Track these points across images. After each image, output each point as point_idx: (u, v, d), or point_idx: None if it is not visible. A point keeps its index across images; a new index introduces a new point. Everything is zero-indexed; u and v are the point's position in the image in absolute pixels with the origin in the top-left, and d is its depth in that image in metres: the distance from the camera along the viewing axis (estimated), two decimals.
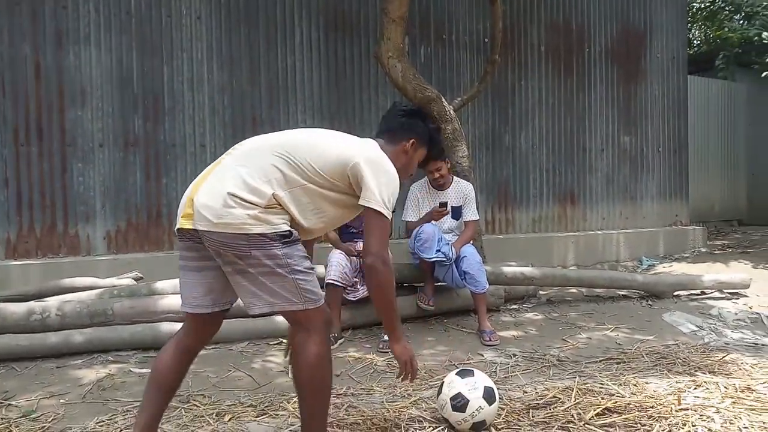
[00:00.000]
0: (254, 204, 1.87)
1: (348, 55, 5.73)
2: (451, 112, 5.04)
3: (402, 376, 2.17)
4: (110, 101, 4.89)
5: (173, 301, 3.84)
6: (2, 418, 2.71)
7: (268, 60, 5.40)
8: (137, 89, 4.97)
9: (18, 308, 3.61)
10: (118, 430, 2.58)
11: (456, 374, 2.40)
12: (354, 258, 4.05)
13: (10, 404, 2.88)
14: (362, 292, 4.09)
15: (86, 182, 4.81)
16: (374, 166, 2.01)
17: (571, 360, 3.52)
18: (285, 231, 1.90)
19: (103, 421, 2.67)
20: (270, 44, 5.40)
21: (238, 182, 1.89)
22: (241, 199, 1.86)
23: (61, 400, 2.95)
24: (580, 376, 3.10)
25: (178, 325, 3.69)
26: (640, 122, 7.34)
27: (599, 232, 6.92)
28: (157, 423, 2.16)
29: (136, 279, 4.31)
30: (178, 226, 1.98)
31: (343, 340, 3.93)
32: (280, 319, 3.99)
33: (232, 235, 1.85)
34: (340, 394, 2.96)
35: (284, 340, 3.87)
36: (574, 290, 5.22)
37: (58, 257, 4.71)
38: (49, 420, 2.71)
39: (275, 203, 1.91)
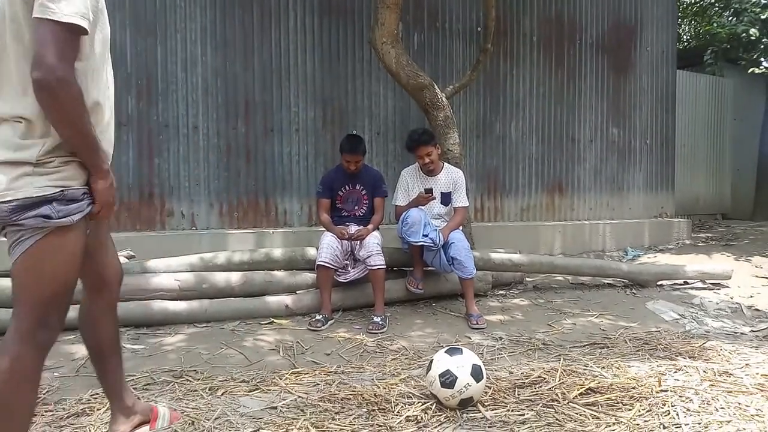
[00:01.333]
0: None
1: (342, 39, 5.75)
2: (444, 99, 5.08)
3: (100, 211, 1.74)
4: None
5: (165, 280, 3.88)
6: None
7: (262, 43, 5.41)
8: (130, 68, 4.96)
9: (6, 283, 3.62)
10: None
11: (445, 352, 2.47)
12: (345, 241, 4.10)
13: None
14: (353, 274, 4.15)
15: None
16: None
17: (556, 344, 3.60)
18: None
19: (97, 394, 2.70)
20: (264, 27, 5.41)
21: None
22: None
23: (55, 374, 2.98)
24: (564, 359, 3.18)
25: (170, 303, 3.77)
26: (628, 114, 7.43)
27: (586, 221, 7.02)
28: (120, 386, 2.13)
29: (129, 257, 4.32)
30: None
31: (333, 321, 3.98)
32: (271, 299, 4.05)
33: None
34: (331, 372, 3.01)
35: (275, 320, 3.95)
36: (560, 278, 5.32)
37: None
38: (44, 392, 2.74)
39: None
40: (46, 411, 2.50)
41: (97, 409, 2.51)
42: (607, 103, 7.27)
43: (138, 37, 4.97)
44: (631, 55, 7.40)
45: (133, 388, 2.77)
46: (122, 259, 4.24)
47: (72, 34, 1.56)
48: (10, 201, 1.59)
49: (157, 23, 5.03)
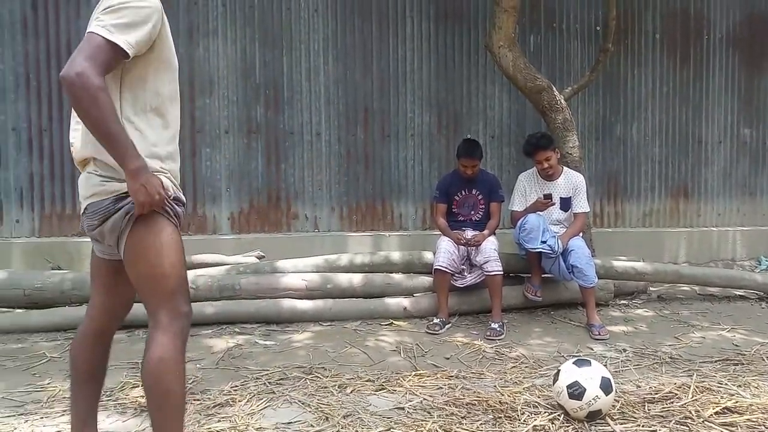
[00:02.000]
0: None
1: (457, 44, 5.79)
2: (562, 101, 5.00)
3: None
4: (235, 90, 5.25)
5: (293, 280, 4.11)
6: None
7: (380, 51, 5.57)
8: (259, 79, 5.29)
9: None
10: (251, 394, 2.83)
11: (573, 363, 2.46)
12: (462, 246, 4.15)
13: None
14: (469, 279, 4.20)
15: (213, 166, 5.21)
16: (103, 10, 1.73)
17: (685, 358, 3.45)
18: None
19: (237, 386, 2.95)
20: (382, 36, 5.57)
21: None
22: None
23: (198, 365, 3.26)
24: (696, 375, 3.06)
25: (298, 302, 3.99)
26: (762, 113, 6.90)
27: (714, 228, 6.62)
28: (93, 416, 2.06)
29: (259, 257, 4.63)
30: None
31: (450, 325, 4.05)
32: (390, 300, 4.18)
33: None
34: (452, 376, 3.08)
35: (394, 322, 4.07)
36: (686, 288, 5.07)
37: (188, 235, 5.13)
38: (189, 382, 3.00)
39: None
40: (194, 400, 2.75)
41: (239, 401, 2.73)
42: (738, 102, 6.80)
43: (266, 50, 5.29)
44: (765, 49, 6.88)
45: (267, 382, 2.99)
46: (252, 259, 4.56)
47: (114, 53, 1.68)
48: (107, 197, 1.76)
49: (283, 36, 5.32)
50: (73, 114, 1.91)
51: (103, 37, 1.64)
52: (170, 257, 1.78)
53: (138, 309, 2.00)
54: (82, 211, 1.86)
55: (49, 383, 2.94)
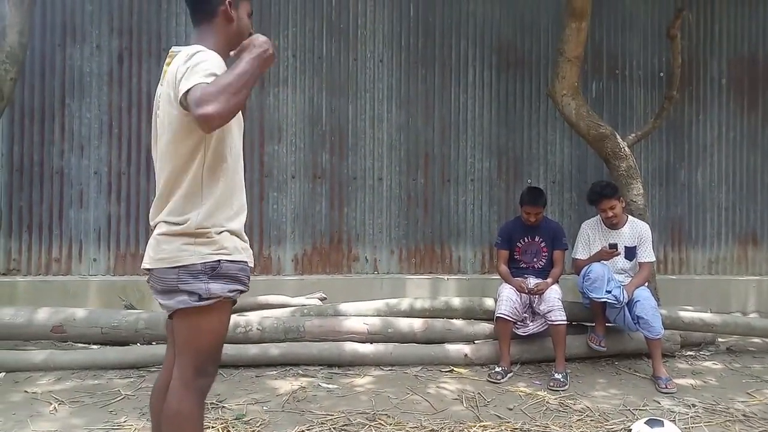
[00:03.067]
0: None
1: (518, 91, 5.87)
2: (626, 149, 4.98)
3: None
4: (302, 137, 5.46)
5: (355, 323, 4.19)
6: (218, 419, 3.14)
7: (442, 99, 5.70)
8: (325, 126, 5.49)
9: None
10: None
11: (645, 423, 2.43)
12: (524, 294, 4.14)
13: (223, 407, 3.33)
14: (532, 327, 4.17)
15: (279, 209, 5.40)
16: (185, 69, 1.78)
17: (759, 416, 3.33)
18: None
19: (303, 431, 3.01)
20: (444, 84, 5.71)
21: None
22: None
23: (264, 407, 3.35)
24: None
25: (359, 345, 4.06)
26: None
27: None
28: None
29: (321, 299, 4.73)
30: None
31: (512, 374, 4.02)
32: (451, 347, 4.20)
33: None
34: (516, 429, 3.07)
35: (455, 368, 4.08)
36: (757, 340, 4.89)
37: (253, 275, 5.26)
38: (257, 424, 3.09)
39: None
40: None
41: None
42: None
43: (332, 98, 5.50)
44: None
45: (332, 428, 3.05)
46: (315, 301, 4.67)
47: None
48: (177, 267, 1.85)
49: (349, 85, 5.53)
50: None
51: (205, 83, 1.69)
52: (215, 338, 1.94)
53: None
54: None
55: (125, 421, 3.08)
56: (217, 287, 1.86)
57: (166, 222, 1.89)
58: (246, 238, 2.00)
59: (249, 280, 1.98)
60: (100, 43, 5.27)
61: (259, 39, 1.81)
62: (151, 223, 1.98)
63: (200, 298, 1.84)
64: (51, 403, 3.29)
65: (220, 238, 1.87)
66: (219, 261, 1.86)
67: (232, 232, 1.92)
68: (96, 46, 5.26)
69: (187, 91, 1.69)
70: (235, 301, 1.98)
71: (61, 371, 3.81)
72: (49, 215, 5.24)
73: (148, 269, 1.95)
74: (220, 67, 1.78)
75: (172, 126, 1.84)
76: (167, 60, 1.93)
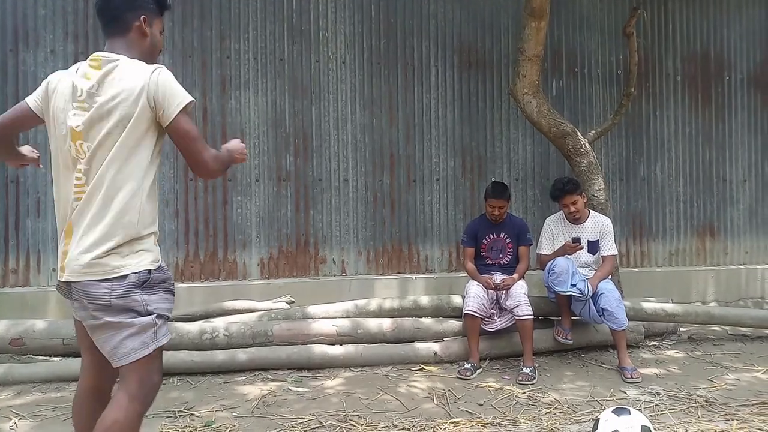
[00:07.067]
0: None
1: (480, 91, 5.92)
2: (587, 145, 5.07)
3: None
4: (266, 140, 5.41)
5: (324, 325, 4.17)
6: (187, 427, 3.09)
7: (406, 99, 5.72)
8: (289, 128, 5.45)
9: (192, 327, 4.06)
10: None
11: (612, 412, 2.47)
12: (491, 290, 4.18)
13: (192, 414, 3.27)
14: (499, 323, 4.21)
15: (244, 213, 5.33)
16: None
17: (721, 402, 3.43)
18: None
19: None
20: (407, 84, 5.72)
21: None
22: None
23: (233, 413, 3.31)
24: (734, 420, 3.03)
25: (329, 347, 4.04)
26: None
27: (742, 266, 6.57)
28: None
29: (289, 303, 4.69)
30: None
31: (481, 369, 4.06)
32: (420, 345, 4.21)
33: None
34: (487, 423, 3.09)
35: (425, 367, 4.09)
36: (717, 328, 5.03)
37: (218, 281, 5.23)
38: (227, 431, 3.05)
39: None
40: None
41: None
42: (762, 140, 6.82)
43: (295, 100, 5.46)
44: None
45: (303, 431, 3.03)
46: (283, 305, 4.63)
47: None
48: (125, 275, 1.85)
49: (312, 87, 5.50)
50: None
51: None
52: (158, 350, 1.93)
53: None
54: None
55: None
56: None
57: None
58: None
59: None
60: (55, 48, 5.13)
61: (240, 144, 2.21)
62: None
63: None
64: (11, 419, 3.19)
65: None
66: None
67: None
68: (50, 50, 5.12)
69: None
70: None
71: (21, 385, 3.71)
72: (5, 225, 5.08)
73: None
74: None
75: (127, 136, 1.85)
76: (91, 63, 1.89)
